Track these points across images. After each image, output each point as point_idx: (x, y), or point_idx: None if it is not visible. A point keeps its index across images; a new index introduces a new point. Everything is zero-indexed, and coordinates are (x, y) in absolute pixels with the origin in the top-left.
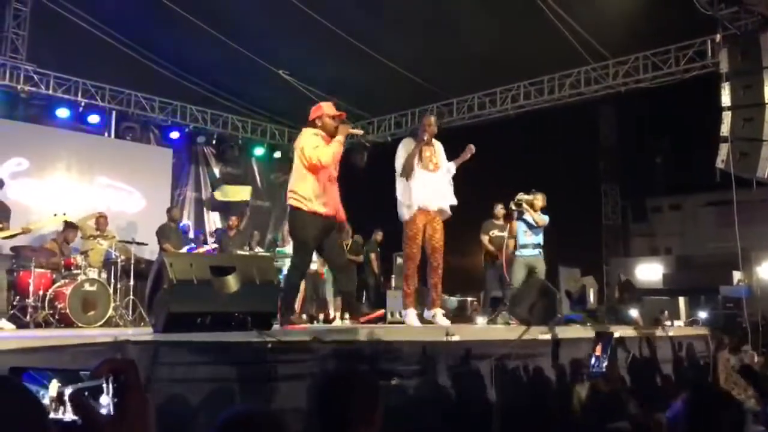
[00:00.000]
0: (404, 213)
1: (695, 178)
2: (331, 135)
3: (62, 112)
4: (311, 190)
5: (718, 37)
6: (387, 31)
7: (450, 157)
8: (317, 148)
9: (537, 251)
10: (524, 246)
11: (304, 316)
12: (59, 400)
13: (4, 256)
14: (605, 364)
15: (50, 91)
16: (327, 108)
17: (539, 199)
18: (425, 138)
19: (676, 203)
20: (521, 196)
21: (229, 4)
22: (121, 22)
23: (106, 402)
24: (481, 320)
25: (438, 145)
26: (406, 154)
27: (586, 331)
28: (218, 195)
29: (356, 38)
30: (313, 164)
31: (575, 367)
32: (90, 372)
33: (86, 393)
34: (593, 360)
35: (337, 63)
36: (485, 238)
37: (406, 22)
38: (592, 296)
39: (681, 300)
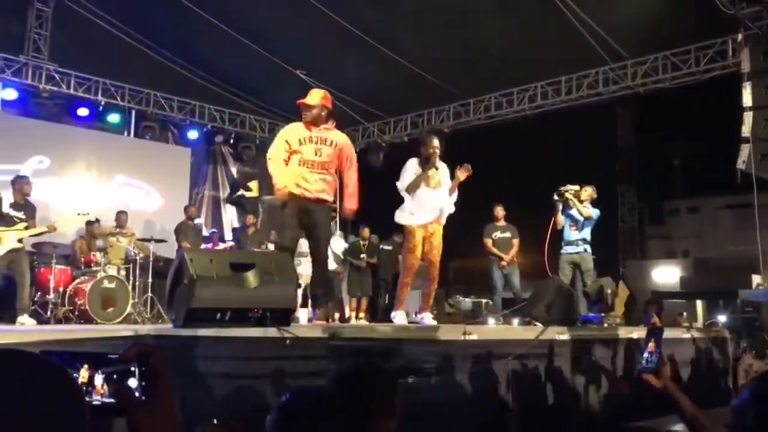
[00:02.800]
0: (404, 219)
1: (714, 181)
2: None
3: (83, 111)
4: None
5: (739, 36)
6: (404, 30)
7: (462, 158)
8: None
9: (583, 248)
10: (569, 242)
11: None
12: (90, 383)
13: (26, 252)
14: (656, 359)
15: (71, 91)
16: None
17: (587, 191)
18: (432, 162)
19: (693, 206)
20: (566, 186)
21: (247, 5)
22: (141, 23)
23: (134, 385)
24: (492, 321)
25: (443, 167)
26: (412, 176)
27: (604, 332)
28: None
29: (373, 38)
30: None
31: (592, 368)
32: (119, 355)
33: (114, 376)
34: (645, 356)
35: (353, 63)
36: (488, 242)
37: (423, 22)
38: (609, 297)
39: (699, 303)
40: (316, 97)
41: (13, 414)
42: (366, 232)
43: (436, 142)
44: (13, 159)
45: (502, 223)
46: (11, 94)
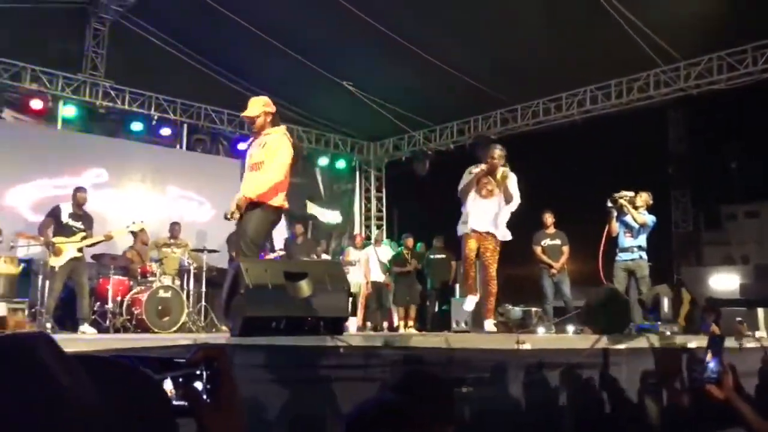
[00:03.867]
0: (459, 230)
1: None
2: None
3: (136, 126)
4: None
5: None
6: (448, 38)
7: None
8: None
9: (638, 254)
10: (624, 249)
11: (369, 324)
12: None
13: (86, 263)
14: (718, 369)
15: (125, 106)
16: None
17: (643, 197)
18: (484, 169)
19: (752, 210)
20: (621, 193)
21: (294, 17)
22: (191, 39)
23: (200, 388)
24: (542, 330)
25: (511, 176)
26: (468, 179)
27: (661, 341)
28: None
29: (418, 46)
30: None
31: (650, 378)
32: (185, 360)
33: (181, 380)
34: (707, 366)
35: (399, 71)
36: (537, 249)
37: (467, 28)
38: (666, 305)
39: (760, 311)
40: (256, 106)
41: (117, 423)
42: (409, 241)
43: (497, 152)
44: (73, 172)
45: (551, 230)
46: (70, 111)
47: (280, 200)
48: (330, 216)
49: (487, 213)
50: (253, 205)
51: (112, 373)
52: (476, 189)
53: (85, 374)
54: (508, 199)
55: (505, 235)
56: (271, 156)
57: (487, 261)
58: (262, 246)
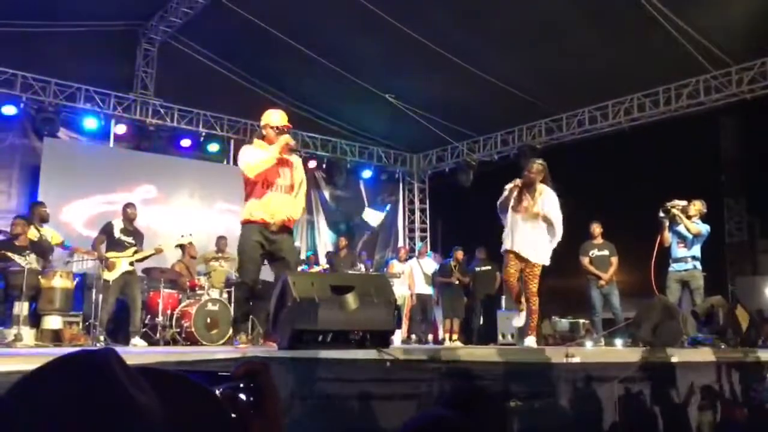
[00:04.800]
0: (503, 245)
1: None
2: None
3: (185, 142)
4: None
5: None
6: (490, 47)
7: (556, 175)
8: (247, 161)
9: (692, 265)
10: (677, 260)
11: (414, 337)
12: None
13: (138, 277)
14: None
15: (174, 123)
16: (270, 117)
17: (696, 206)
18: (519, 184)
19: None
20: (673, 202)
21: (336, 32)
22: (237, 56)
23: (244, 401)
24: (589, 344)
25: (546, 192)
26: (506, 192)
27: (716, 354)
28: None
29: (459, 56)
30: (245, 176)
31: (704, 393)
32: (230, 373)
33: (226, 392)
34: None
35: (440, 82)
36: (585, 260)
37: (509, 37)
38: (721, 317)
39: None
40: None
41: None
42: (459, 253)
43: (536, 166)
44: (125, 188)
45: (599, 240)
46: (122, 129)
47: None
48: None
49: (524, 234)
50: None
51: (173, 385)
52: (513, 205)
53: (149, 387)
54: (548, 222)
55: (545, 260)
56: (299, 180)
57: (527, 278)
58: None
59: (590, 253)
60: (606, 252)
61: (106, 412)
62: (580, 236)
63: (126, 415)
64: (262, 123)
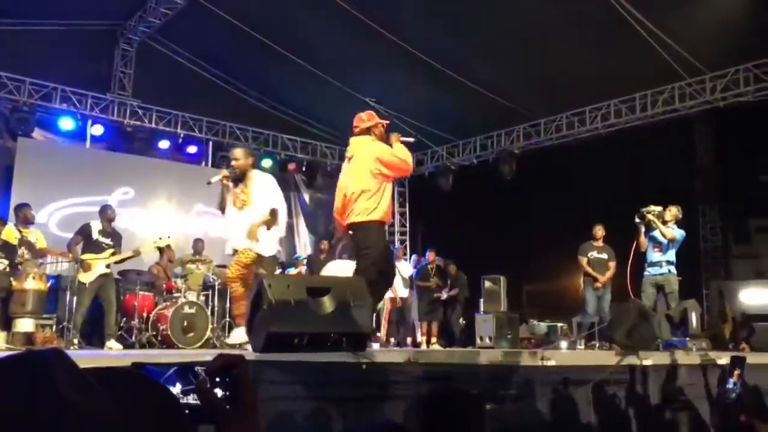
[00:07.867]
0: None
1: None
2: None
3: (163, 144)
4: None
5: None
6: (470, 53)
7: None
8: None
9: (667, 269)
10: (653, 264)
11: (392, 340)
12: (182, 393)
13: (113, 279)
14: (739, 389)
15: (152, 124)
16: (374, 115)
17: (672, 211)
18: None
19: None
20: (649, 208)
21: (317, 35)
22: (216, 58)
23: (220, 394)
24: (564, 345)
25: (256, 179)
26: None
27: (689, 357)
28: None
29: (439, 61)
30: (404, 168)
31: (677, 395)
32: (206, 367)
33: (200, 387)
34: (730, 385)
35: (421, 87)
36: (583, 260)
37: (489, 44)
38: (694, 320)
39: None
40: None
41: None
42: (431, 255)
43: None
44: (102, 190)
45: (599, 243)
46: (99, 129)
47: None
48: None
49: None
50: None
51: (127, 385)
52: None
53: (99, 389)
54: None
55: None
56: None
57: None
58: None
59: (589, 254)
60: (605, 255)
61: (40, 420)
62: (552, 241)
63: (59, 420)
64: (374, 122)
